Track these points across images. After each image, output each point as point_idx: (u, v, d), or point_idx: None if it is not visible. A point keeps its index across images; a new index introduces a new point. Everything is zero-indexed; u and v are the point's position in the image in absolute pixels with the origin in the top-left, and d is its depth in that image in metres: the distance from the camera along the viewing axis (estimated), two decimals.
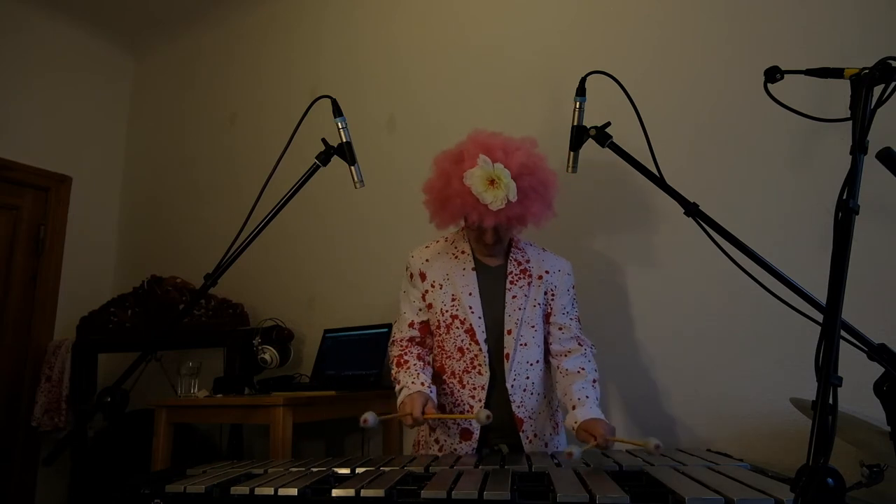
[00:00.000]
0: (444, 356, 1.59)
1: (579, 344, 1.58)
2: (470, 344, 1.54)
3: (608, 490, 0.94)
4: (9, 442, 3.07)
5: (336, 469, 1.25)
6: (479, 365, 1.53)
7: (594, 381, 1.52)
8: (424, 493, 1.00)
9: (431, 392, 1.48)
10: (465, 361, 1.55)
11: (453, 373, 1.57)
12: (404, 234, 2.50)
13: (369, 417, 1.35)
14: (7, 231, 3.21)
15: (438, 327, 1.61)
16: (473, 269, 1.60)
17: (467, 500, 0.96)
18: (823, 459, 0.62)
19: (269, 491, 1.07)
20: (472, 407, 1.53)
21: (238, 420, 2.39)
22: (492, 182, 1.42)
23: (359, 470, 1.23)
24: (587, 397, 1.45)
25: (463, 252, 1.63)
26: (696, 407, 1.85)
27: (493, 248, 1.58)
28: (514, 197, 1.42)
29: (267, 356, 2.52)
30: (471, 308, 1.55)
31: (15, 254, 3.22)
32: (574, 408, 1.44)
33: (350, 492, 1.03)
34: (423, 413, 1.39)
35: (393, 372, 1.60)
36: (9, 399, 3.10)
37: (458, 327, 1.56)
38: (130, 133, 3.82)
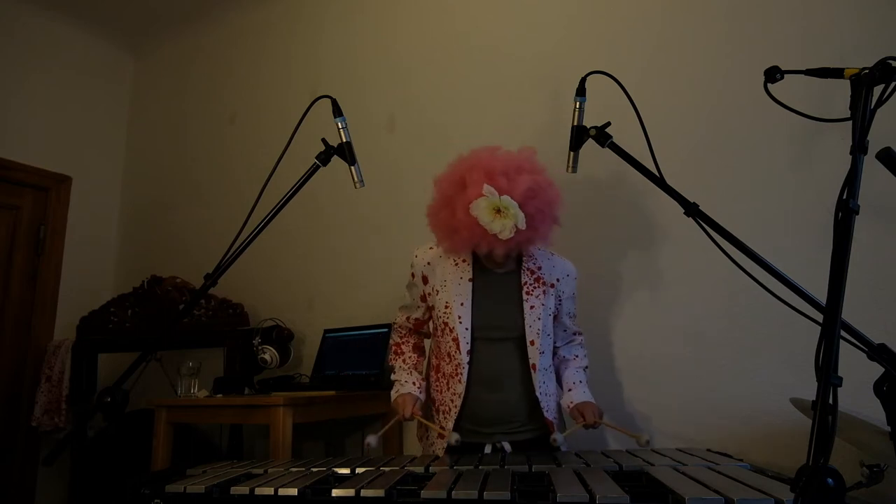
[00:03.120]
0: (440, 356, 1.64)
1: (574, 334, 1.76)
2: (455, 352, 1.57)
3: (608, 490, 0.94)
4: (9, 442, 3.07)
5: (336, 469, 1.25)
6: (460, 374, 1.56)
7: (585, 367, 1.73)
8: (424, 493, 1.00)
9: (420, 393, 1.63)
10: (451, 367, 1.59)
11: (443, 374, 1.62)
12: (404, 234, 2.50)
13: (371, 441, 1.41)
14: (7, 231, 3.21)
15: (436, 329, 1.66)
16: (471, 279, 1.60)
17: (467, 500, 0.96)
18: (823, 459, 0.62)
19: (269, 491, 1.08)
20: (449, 409, 1.56)
21: (238, 420, 2.39)
22: (498, 211, 1.40)
23: (359, 470, 1.23)
24: (580, 381, 1.66)
25: (464, 261, 1.62)
26: (697, 407, 1.85)
27: (503, 265, 1.60)
28: (522, 225, 1.41)
29: (267, 356, 2.52)
30: (459, 318, 1.56)
31: (15, 254, 3.22)
32: (570, 390, 1.65)
33: (350, 492, 1.03)
34: (413, 415, 1.54)
35: (390, 358, 1.77)
36: (9, 399, 3.10)
37: (447, 334, 1.59)
38: (130, 133, 3.82)
